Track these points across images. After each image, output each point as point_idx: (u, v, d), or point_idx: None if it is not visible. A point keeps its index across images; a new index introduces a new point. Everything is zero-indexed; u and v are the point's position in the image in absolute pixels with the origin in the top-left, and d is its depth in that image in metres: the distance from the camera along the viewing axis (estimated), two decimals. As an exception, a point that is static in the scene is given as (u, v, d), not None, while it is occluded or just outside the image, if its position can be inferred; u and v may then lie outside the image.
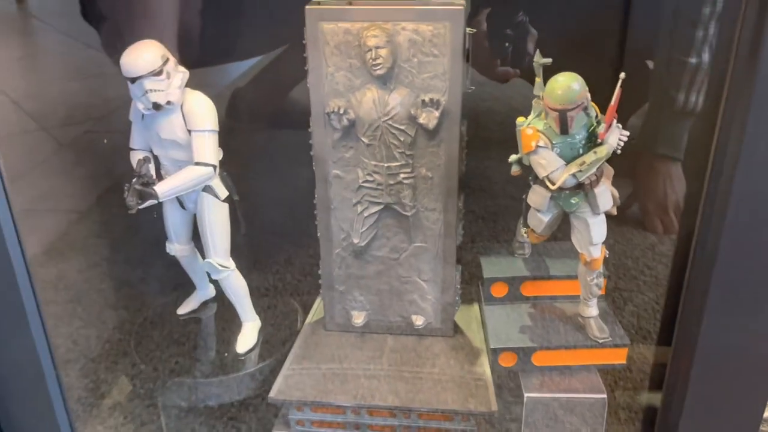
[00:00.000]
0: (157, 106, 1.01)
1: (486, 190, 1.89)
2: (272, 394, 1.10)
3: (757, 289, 0.77)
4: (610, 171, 1.02)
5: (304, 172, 1.15)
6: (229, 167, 1.15)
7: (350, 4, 1.00)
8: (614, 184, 1.79)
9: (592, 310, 1.08)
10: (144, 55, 0.99)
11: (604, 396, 1.05)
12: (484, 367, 1.13)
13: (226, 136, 1.12)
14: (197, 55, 1.60)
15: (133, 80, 0.99)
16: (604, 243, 1.02)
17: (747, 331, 0.80)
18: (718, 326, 0.80)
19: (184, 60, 1.10)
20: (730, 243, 0.75)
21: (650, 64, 1.53)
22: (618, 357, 1.07)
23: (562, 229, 1.06)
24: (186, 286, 1.34)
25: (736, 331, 0.80)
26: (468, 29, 1.00)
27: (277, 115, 1.96)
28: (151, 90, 1.00)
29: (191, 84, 1.07)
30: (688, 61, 1.41)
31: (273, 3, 1.53)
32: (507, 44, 1.41)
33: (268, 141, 2.00)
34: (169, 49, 1.05)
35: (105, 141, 1.46)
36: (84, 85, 2.39)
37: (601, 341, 1.06)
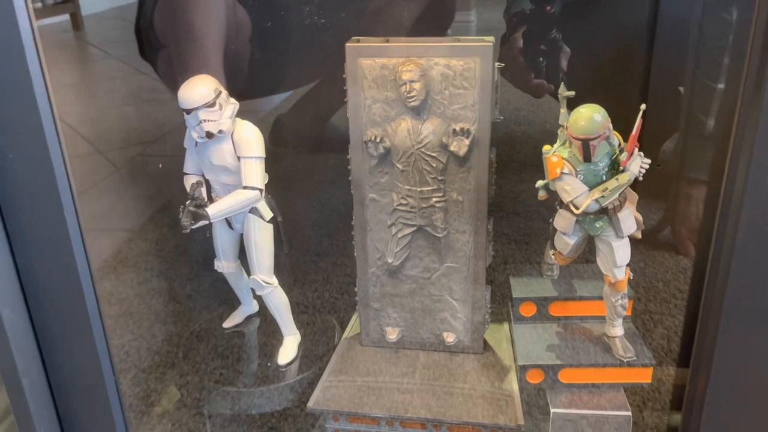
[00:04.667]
0: (209, 135, 1.09)
1: (519, 213, 1.93)
2: (311, 404, 1.16)
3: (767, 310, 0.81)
4: (634, 196, 1.06)
5: (342, 194, 1.22)
6: (272, 189, 1.22)
7: (387, 41, 1.08)
8: (646, 207, 1.82)
9: (618, 330, 1.11)
10: (199, 89, 1.08)
11: (629, 414, 1.08)
12: (513, 384, 1.18)
13: (270, 161, 1.19)
14: (244, 87, 1.70)
15: (189, 111, 1.08)
16: (628, 265, 1.07)
17: (760, 350, 0.83)
18: (732, 347, 0.83)
19: (231, 93, 1.19)
20: (741, 265, 0.79)
21: (682, 89, 1.57)
22: (643, 376, 1.10)
23: (589, 251, 1.11)
24: (231, 302, 1.41)
25: (751, 351, 0.83)
26: (497, 63, 1.06)
27: (317, 140, 2.04)
28: (205, 120, 1.08)
29: (241, 111, 1.15)
30: (715, 85, 1.44)
31: (309, 39, 1.63)
32: (541, 59, 1.47)
33: (308, 165, 2.08)
34: (220, 83, 1.14)
35: (160, 165, 1.55)
36: (137, 110, 2.51)
37: (626, 360, 1.09)
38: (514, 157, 1.96)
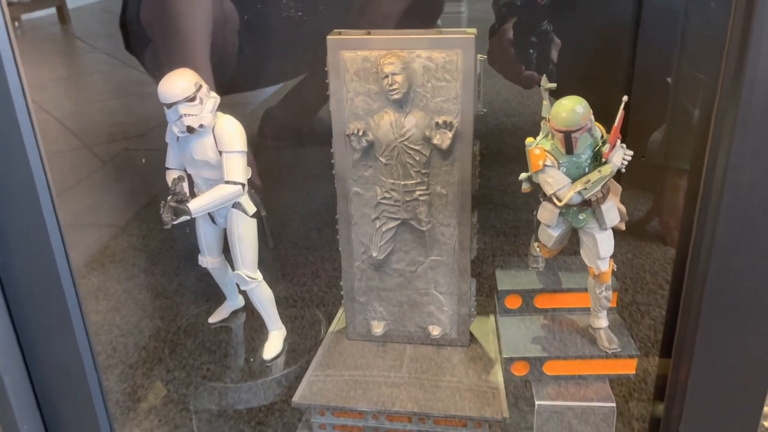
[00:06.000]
0: (190, 129, 1.09)
1: (508, 205, 1.93)
2: (296, 398, 1.16)
3: (748, 300, 0.81)
4: (617, 188, 1.06)
5: (331, 188, 1.20)
6: (262, 182, 1.21)
7: (369, 33, 1.07)
8: (634, 198, 1.82)
9: (602, 321, 1.11)
10: (179, 83, 1.07)
11: (614, 405, 1.08)
12: (498, 376, 1.18)
13: (259, 153, 1.18)
14: (232, 81, 1.69)
15: (169, 105, 1.07)
16: (612, 257, 1.07)
17: (741, 340, 0.83)
18: (713, 336, 0.83)
19: (217, 88, 1.18)
20: (721, 255, 0.79)
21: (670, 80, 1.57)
22: (628, 367, 1.10)
23: (576, 243, 1.11)
24: (217, 297, 1.41)
25: (731, 341, 0.84)
26: (479, 56, 1.06)
27: (306, 133, 2.04)
28: (185, 114, 1.07)
29: (229, 102, 1.14)
30: (701, 75, 1.44)
31: (297, 32, 1.62)
32: (532, 51, 1.46)
33: (297, 158, 2.07)
34: (206, 76, 1.13)
35: (143, 160, 1.54)
36: (124, 104, 2.50)
37: (610, 352, 1.09)
38: (504, 149, 1.96)
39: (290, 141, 2.11)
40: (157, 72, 1.59)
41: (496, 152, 1.81)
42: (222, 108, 1.14)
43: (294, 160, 2.09)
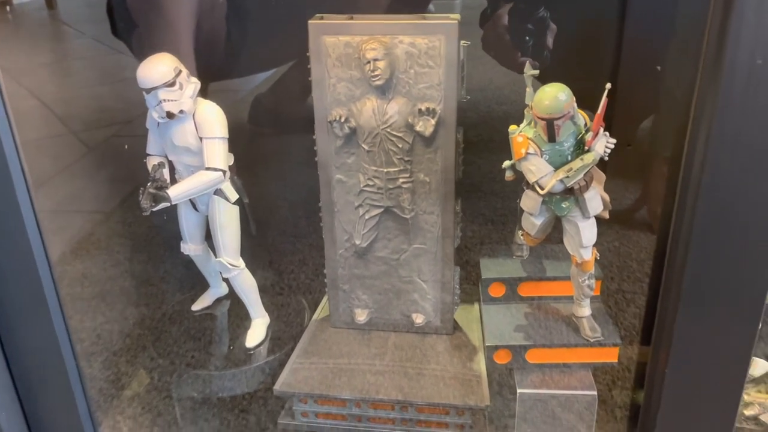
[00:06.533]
0: (170, 115, 1.08)
1: (497, 193, 1.93)
2: (277, 386, 1.16)
3: (726, 288, 0.81)
4: (601, 176, 1.06)
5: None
6: (249, 169, 1.20)
7: (351, 18, 1.06)
8: (623, 186, 1.81)
9: (585, 310, 1.11)
10: (158, 68, 1.06)
11: (595, 393, 1.09)
12: (481, 364, 1.18)
13: (248, 140, 1.17)
14: (220, 68, 1.68)
15: (148, 91, 1.06)
16: (598, 245, 1.06)
17: (719, 328, 0.84)
18: (691, 324, 0.84)
19: (205, 74, 1.16)
20: (699, 244, 0.79)
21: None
22: (610, 356, 1.11)
23: (560, 232, 1.10)
24: (202, 284, 1.40)
25: (709, 329, 0.84)
26: (462, 42, 1.05)
27: (295, 120, 2.02)
28: (164, 100, 1.06)
29: (219, 89, 1.13)
30: (689, 61, 1.43)
31: (285, 17, 1.60)
32: (528, 38, 1.45)
33: (286, 145, 2.06)
34: (189, 61, 1.11)
35: (126, 147, 1.53)
36: (111, 90, 2.48)
37: (592, 340, 1.09)
38: (494, 137, 1.95)
39: (280, 128, 2.09)
40: (144, 57, 1.58)
41: (487, 140, 1.80)
42: (211, 94, 1.13)
43: (283, 147, 2.07)
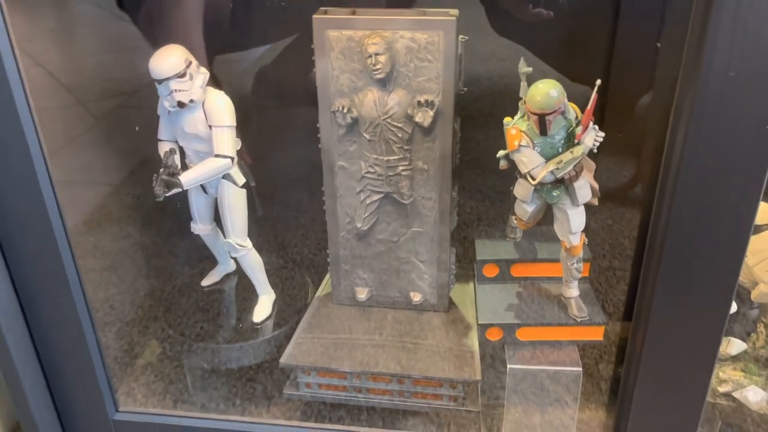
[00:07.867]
0: (181, 104, 1.12)
1: (496, 171, 1.96)
2: (283, 359, 1.23)
3: (703, 268, 0.87)
4: (591, 165, 1.11)
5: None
6: (255, 141, 1.20)
7: (354, 13, 1.09)
8: (617, 163, 1.83)
9: (573, 291, 1.17)
10: (170, 59, 1.10)
11: (580, 369, 1.15)
12: (474, 340, 1.25)
13: (252, 113, 1.19)
14: (225, 41, 1.70)
15: (160, 81, 1.10)
16: (583, 231, 1.12)
17: (694, 307, 0.89)
18: (668, 302, 0.89)
19: (212, 46, 1.18)
20: (678, 223, 0.84)
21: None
22: (596, 334, 1.17)
23: (551, 216, 1.15)
24: (211, 259, 1.45)
25: (686, 307, 0.89)
26: (460, 37, 1.09)
27: (299, 93, 2.05)
28: (176, 90, 1.10)
29: (224, 60, 1.14)
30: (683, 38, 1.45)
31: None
32: None
33: (290, 118, 2.08)
34: (197, 37, 1.13)
35: (137, 128, 1.57)
36: (118, 58, 2.48)
37: (579, 320, 1.16)
38: (495, 111, 1.97)
39: (284, 100, 2.11)
40: (150, 31, 1.60)
41: (488, 114, 1.83)
42: (216, 66, 1.15)
43: (287, 120, 2.10)
